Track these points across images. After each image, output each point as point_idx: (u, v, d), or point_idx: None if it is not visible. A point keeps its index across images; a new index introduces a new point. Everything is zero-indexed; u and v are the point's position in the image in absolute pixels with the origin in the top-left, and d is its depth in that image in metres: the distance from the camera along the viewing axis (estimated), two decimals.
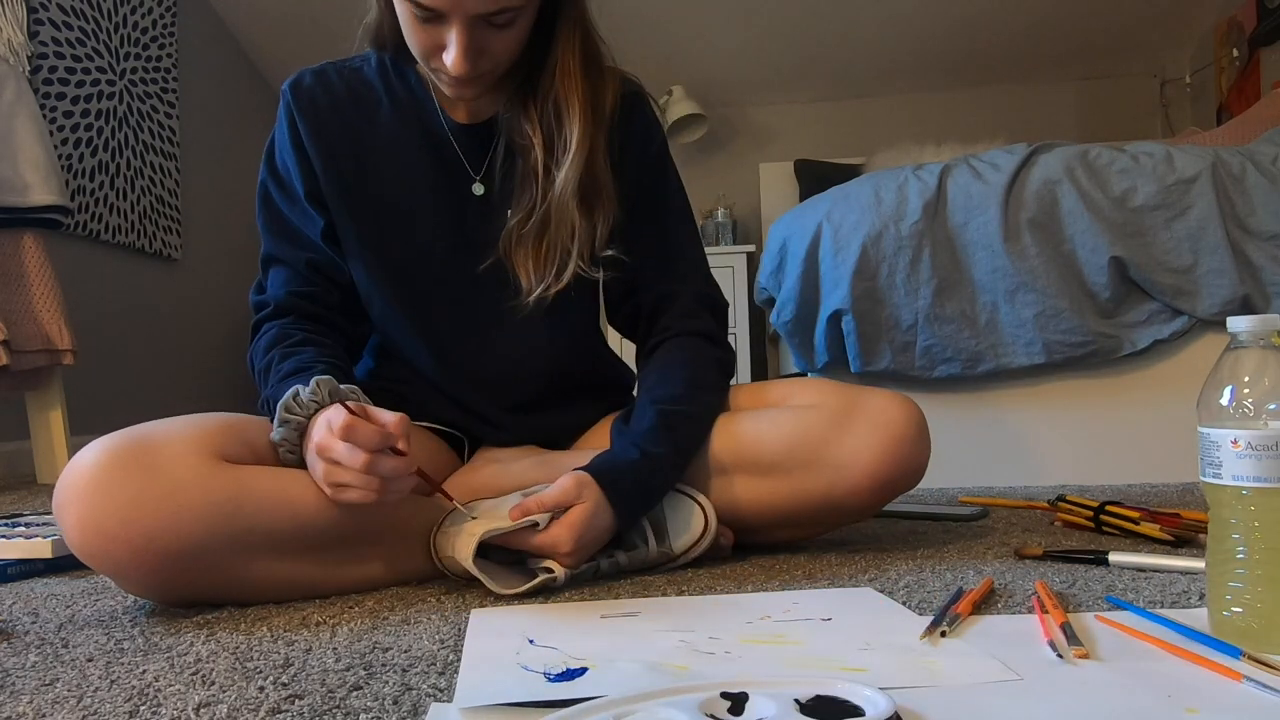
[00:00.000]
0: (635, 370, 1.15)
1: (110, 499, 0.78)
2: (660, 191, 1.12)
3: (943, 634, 0.67)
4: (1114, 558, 0.94)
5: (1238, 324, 0.64)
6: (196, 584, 0.83)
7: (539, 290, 1.02)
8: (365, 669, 0.64)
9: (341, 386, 0.89)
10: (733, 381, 1.12)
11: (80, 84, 2.98)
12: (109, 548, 0.78)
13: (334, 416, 0.82)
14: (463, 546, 0.85)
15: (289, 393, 0.87)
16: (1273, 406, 0.62)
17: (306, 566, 0.87)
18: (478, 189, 1.06)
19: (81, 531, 0.78)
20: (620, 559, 0.93)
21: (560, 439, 1.14)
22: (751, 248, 3.66)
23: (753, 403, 1.08)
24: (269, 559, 0.84)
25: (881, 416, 0.97)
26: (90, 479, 0.78)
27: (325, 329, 1.05)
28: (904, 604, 0.78)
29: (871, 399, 1.00)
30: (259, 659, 0.67)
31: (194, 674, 0.64)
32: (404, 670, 0.64)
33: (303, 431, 0.87)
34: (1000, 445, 1.83)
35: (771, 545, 1.07)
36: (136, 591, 0.84)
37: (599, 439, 1.09)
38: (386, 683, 0.61)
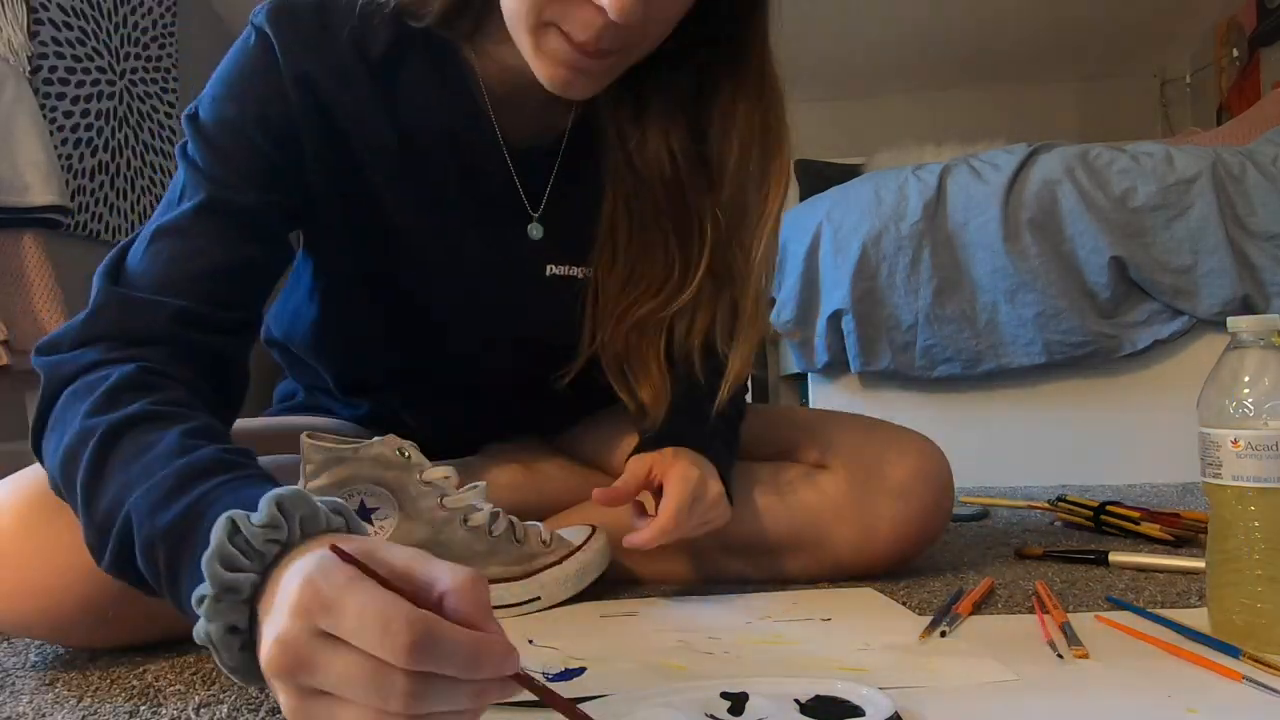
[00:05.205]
0: None
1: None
2: None
3: (942, 634, 0.67)
4: (1114, 558, 0.94)
5: (1238, 324, 0.64)
6: None
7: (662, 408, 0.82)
8: None
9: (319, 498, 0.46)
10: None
11: (80, 84, 2.98)
12: None
13: (362, 598, 0.38)
14: None
15: (219, 527, 0.42)
16: (1273, 406, 0.62)
17: None
18: (534, 231, 0.83)
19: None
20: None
21: (555, 429, 1.05)
22: None
23: (755, 450, 0.92)
24: None
25: (905, 483, 0.86)
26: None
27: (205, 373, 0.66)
28: (904, 604, 0.78)
29: (892, 459, 0.87)
30: None
31: (194, 674, 0.64)
32: None
33: (252, 599, 0.42)
34: (1000, 445, 1.82)
35: None
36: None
37: (601, 435, 1.01)
38: None
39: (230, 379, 0.69)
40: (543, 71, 0.69)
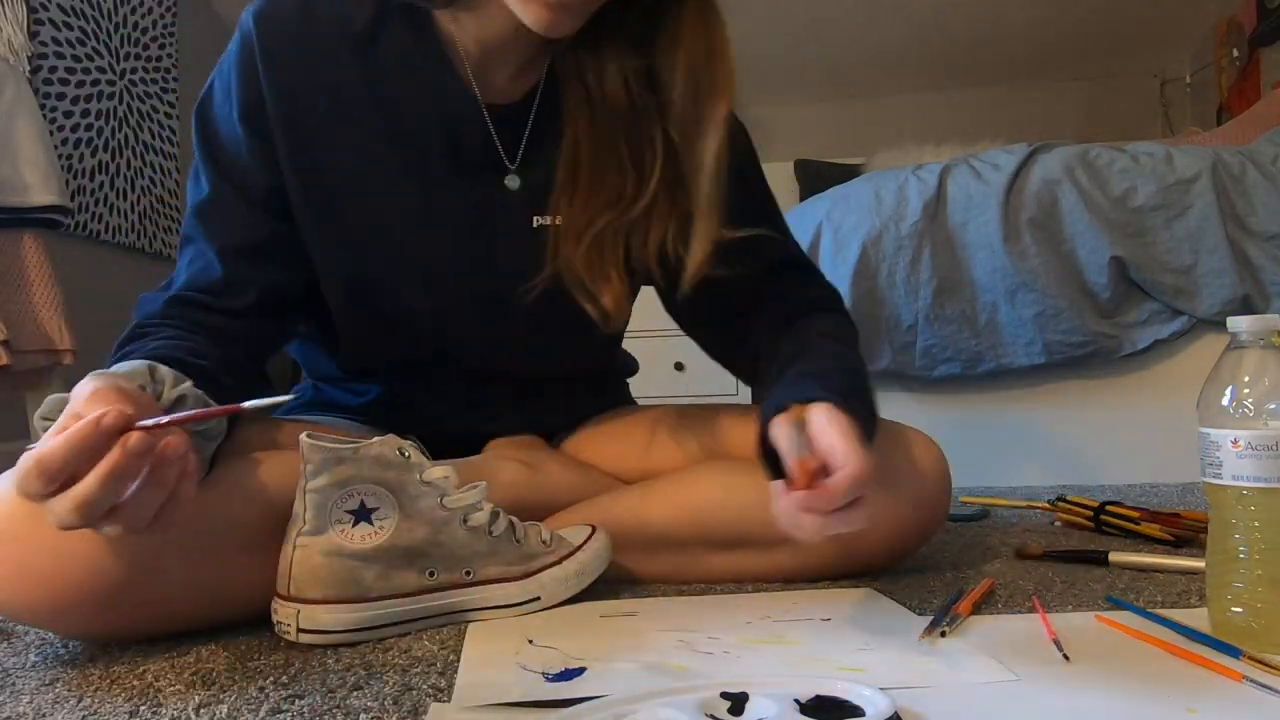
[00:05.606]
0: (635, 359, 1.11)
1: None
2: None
3: (942, 634, 0.67)
4: (1114, 558, 0.94)
5: (1238, 324, 0.64)
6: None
7: (620, 312, 0.86)
8: (365, 669, 0.64)
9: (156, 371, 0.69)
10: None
11: (80, 84, 2.98)
12: None
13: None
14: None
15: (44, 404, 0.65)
16: (1273, 406, 0.62)
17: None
18: (512, 182, 0.89)
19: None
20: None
21: (559, 429, 1.06)
22: None
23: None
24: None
25: (903, 479, 0.86)
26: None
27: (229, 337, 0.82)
28: (904, 604, 0.78)
29: (890, 455, 0.85)
30: (259, 659, 0.67)
31: (194, 674, 0.64)
32: (404, 670, 0.63)
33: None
34: (1000, 445, 1.82)
35: None
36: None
37: (604, 437, 1.03)
38: (386, 683, 0.61)
39: (233, 348, 0.81)
40: (531, 15, 0.76)
